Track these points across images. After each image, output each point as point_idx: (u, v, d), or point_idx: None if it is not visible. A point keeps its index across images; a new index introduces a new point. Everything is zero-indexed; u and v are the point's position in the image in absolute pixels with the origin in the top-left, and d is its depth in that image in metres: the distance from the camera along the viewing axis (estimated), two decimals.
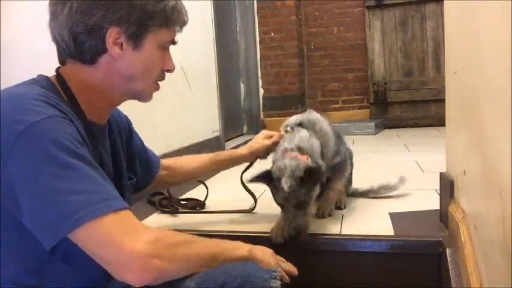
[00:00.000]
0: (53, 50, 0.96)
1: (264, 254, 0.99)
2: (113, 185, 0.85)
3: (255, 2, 4.39)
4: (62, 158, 0.76)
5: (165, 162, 1.38)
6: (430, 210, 1.50)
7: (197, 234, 1.40)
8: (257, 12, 4.40)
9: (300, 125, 1.38)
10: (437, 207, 1.41)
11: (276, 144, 1.41)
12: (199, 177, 1.41)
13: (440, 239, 1.24)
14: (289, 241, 1.24)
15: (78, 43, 0.90)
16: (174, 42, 1.02)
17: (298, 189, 1.20)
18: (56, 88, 0.91)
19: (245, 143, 3.81)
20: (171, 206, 1.68)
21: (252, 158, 1.50)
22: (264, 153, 1.49)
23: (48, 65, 0.98)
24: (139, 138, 1.27)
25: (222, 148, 3.19)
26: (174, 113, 2.39)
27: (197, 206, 1.70)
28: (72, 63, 0.94)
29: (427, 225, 1.39)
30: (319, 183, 1.28)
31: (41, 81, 0.91)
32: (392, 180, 1.70)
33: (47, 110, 0.80)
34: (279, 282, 0.89)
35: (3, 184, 0.78)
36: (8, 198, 0.78)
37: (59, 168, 0.75)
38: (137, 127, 1.27)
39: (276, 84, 4.41)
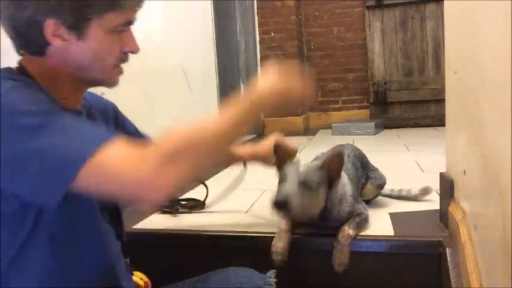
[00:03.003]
0: None
1: (271, 87, 0.92)
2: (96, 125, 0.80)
3: (255, 2, 4.39)
4: (33, 123, 0.73)
5: None
6: (430, 210, 1.50)
7: (197, 235, 1.41)
8: (257, 12, 4.40)
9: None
10: (437, 207, 1.41)
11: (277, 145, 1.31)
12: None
13: (440, 239, 1.24)
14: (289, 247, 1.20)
15: (21, 36, 0.87)
16: (130, 23, 0.91)
17: (313, 173, 1.17)
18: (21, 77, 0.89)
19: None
20: (171, 206, 1.68)
21: (250, 158, 1.40)
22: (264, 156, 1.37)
23: None
24: (132, 126, 1.21)
25: None
26: (174, 113, 2.39)
27: (197, 206, 1.70)
28: (27, 55, 0.90)
29: (427, 225, 1.39)
30: (326, 188, 1.21)
31: (4, 71, 0.88)
32: (413, 189, 1.65)
33: (11, 82, 0.79)
34: (273, 286, 0.86)
35: None
36: None
37: (35, 133, 0.73)
38: (138, 127, 1.25)
39: None
